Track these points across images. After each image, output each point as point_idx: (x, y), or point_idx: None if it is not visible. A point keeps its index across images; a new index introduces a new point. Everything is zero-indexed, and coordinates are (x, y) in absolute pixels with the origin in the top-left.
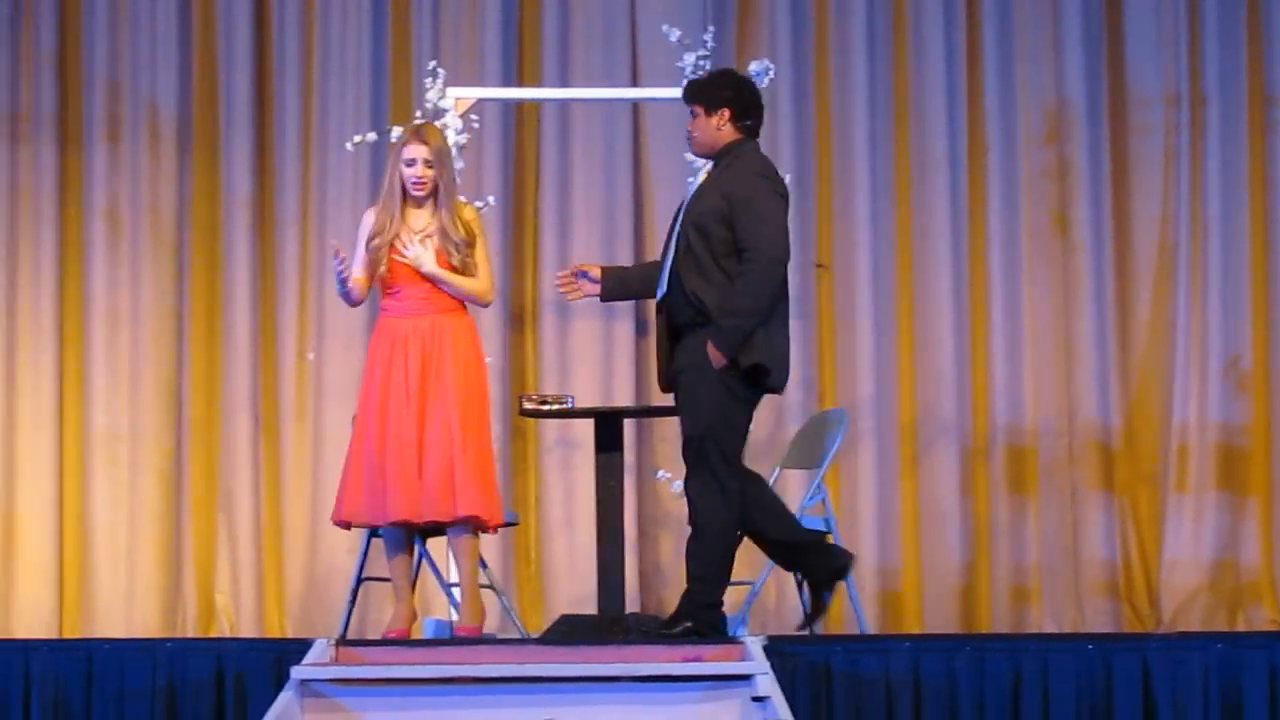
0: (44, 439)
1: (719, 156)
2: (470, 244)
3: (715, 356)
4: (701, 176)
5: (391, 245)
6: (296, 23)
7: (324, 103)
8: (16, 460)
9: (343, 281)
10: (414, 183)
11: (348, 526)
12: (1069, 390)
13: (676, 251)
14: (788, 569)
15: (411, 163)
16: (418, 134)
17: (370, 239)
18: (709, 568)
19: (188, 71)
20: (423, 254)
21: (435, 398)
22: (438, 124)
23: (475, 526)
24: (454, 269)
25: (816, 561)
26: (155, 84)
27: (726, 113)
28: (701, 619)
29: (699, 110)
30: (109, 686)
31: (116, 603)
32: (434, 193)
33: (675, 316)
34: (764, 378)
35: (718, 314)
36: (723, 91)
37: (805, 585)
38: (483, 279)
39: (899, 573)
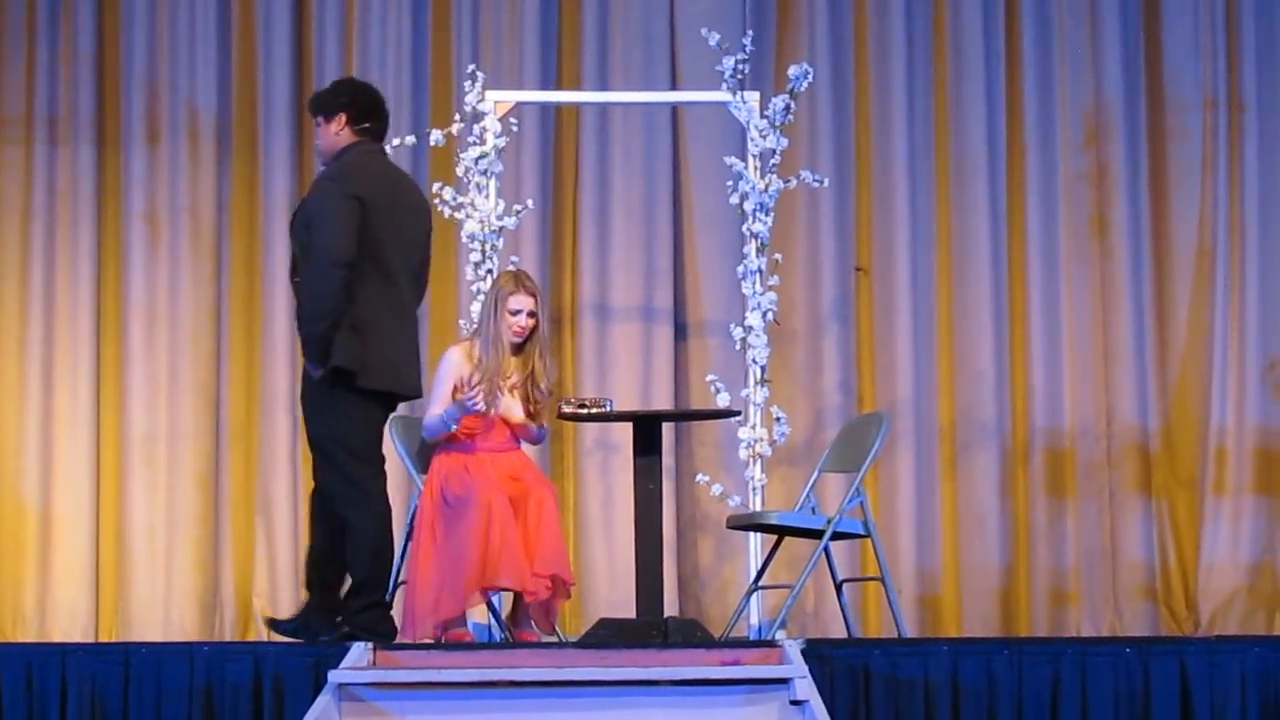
0: (81, 440)
1: (333, 161)
2: (552, 391)
3: (309, 365)
4: None
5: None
6: (336, 25)
7: None
8: (54, 462)
9: (457, 420)
10: (518, 331)
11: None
12: (1107, 393)
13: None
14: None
15: (517, 312)
16: (522, 284)
17: (470, 382)
18: (364, 570)
19: (227, 73)
20: (513, 404)
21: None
22: (476, 128)
23: None
24: (530, 413)
25: (325, 606)
26: (194, 86)
27: (343, 117)
28: (358, 622)
29: (320, 120)
30: (146, 690)
31: (154, 606)
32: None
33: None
34: (352, 380)
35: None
36: (339, 98)
37: (346, 620)
38: (544, 422)
39: (938, 576)
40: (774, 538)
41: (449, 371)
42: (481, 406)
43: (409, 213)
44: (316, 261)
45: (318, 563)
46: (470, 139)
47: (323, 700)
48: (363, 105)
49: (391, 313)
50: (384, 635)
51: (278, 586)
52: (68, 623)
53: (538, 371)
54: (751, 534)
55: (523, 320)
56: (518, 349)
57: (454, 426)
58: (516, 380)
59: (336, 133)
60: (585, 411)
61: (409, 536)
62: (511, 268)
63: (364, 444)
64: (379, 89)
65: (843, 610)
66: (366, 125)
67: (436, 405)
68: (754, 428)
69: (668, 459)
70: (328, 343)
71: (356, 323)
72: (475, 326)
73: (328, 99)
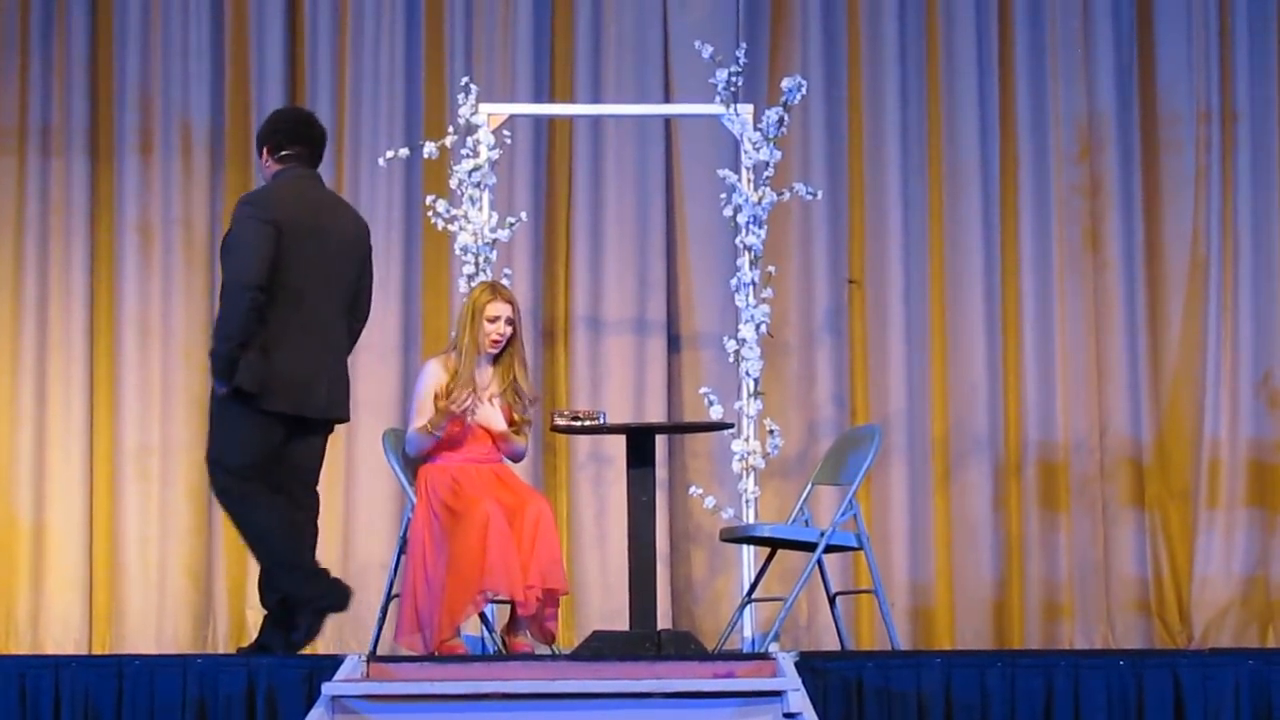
0: (75, 453)
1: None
2: (535, 399)
3: (215, 383)
4: None
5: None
6: (329, 38)
7: (356, 118)
8: (47, 474)
9: (443, 427)
10: (495, 339)
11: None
12: (1100, 406)
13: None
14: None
15: (495, 319)
16: (498, 292)
17: (450, 394)
18: (271, 553)
19: (220, 86)
20: (493, 413)
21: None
22: (469, 140)
23: None
24: (513, 422)
25: (281, 622)
26: (187, 98)
27: (266, 149)
28: (303, 596)
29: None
30: (139, 703)
31: (147, 618)
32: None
33: None
34: (252, 399)
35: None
36: (263, 130)
37: (300, 610)
38: (526, 437)
39: (931, 588)
40: (767, 550)
41: (429, 383)
42: (470, 405)
43: (333, 237)
44: (230, 283)
45: (269, 581)
46: (463, 151)
47: (316, 712)
48: (281, 133)
49: (303, 334)
50: (339, 593)
51: None
52: (61, 635)
53: (519, 379)
54: (744, 546)
55: (500, 328)
56: (495, 358)
57: (439, 435)
58: (496, 390)
59: (266, 163)
60: (578, 424)
61: (402, 549)
62: (504, 280)
63: (248, 461)
64: (314, 113)
65: (836, 623)
66: (286, 153)
67: (420, 418)
68: (747, 440)
69: (661, 471)
70: (234, 362)
71: (266, 344)
72: (451, 340)
73: (259, 132)
